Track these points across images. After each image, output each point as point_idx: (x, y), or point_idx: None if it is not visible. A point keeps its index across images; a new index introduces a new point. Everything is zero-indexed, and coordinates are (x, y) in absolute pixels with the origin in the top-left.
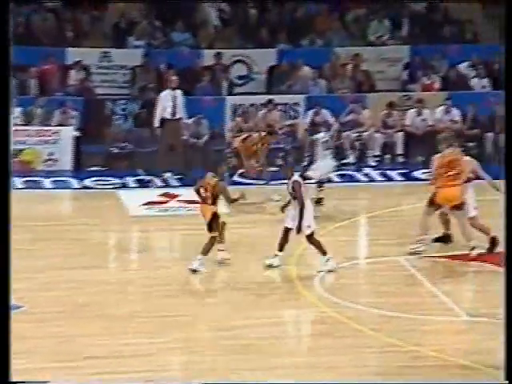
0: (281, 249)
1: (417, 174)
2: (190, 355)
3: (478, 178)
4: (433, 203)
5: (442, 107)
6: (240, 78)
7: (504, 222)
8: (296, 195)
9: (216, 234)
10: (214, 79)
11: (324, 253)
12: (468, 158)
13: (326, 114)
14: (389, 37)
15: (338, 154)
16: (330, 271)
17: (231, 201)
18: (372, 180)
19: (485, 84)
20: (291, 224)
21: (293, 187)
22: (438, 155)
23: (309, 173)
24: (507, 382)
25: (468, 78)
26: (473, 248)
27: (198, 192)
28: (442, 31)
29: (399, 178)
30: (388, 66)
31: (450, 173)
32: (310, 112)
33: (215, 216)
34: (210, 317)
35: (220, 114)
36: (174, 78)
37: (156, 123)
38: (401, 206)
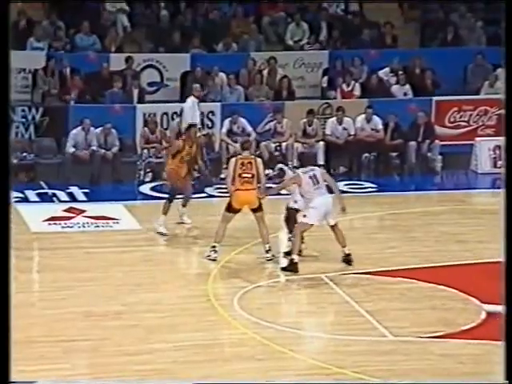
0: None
1: (339, 185)
2: (93, 383)
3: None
4: (231, 208)
5: (362, 115)
6: (151, 84)
7: (504, 223)
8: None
9: None
10: (123, 86)
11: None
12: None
13: (243, 123)
14: (307, 41)
15: None
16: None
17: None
18: None
19: (406, 91)
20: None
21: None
22: (233, 158)
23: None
24: (507, 381)
25: (389, 85)
26: (268, 250)
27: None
28: (361, 35)
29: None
30: (307, 71)
31: (244, 175)
32: (227, 121)
33: None
34: (116, 341)
35: (130, 124)
36: (197, 86)
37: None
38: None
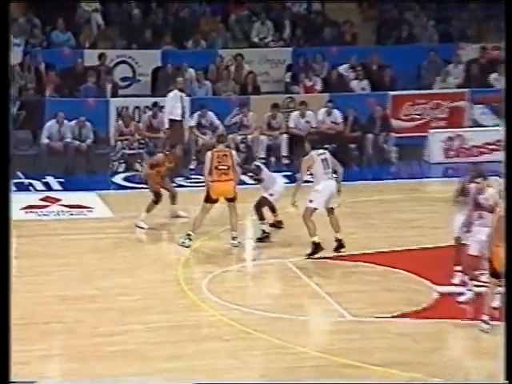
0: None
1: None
2: (68, 363)
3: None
4: (209, 199)
5: (324, 109)
6: (124, 79)
7: (504, 222)
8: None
9: None
10: (97, 80)
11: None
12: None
13: (211, 117)
14: (272, 39)
15: None
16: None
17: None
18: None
19: (364, 86)
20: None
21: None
22: (209, 152)
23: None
24: (507, 381)
25: (348, 80)
26: (234, 237)
27: None
28: (323, 33)
29: (284, 180)
30: (271, 67)
31: (221, 167)
32: (196, 114)
33: None
34: (90, 323)
35: (104, 117)
36: (180, 79)
37: (166, 124)
38: (286, 209)
